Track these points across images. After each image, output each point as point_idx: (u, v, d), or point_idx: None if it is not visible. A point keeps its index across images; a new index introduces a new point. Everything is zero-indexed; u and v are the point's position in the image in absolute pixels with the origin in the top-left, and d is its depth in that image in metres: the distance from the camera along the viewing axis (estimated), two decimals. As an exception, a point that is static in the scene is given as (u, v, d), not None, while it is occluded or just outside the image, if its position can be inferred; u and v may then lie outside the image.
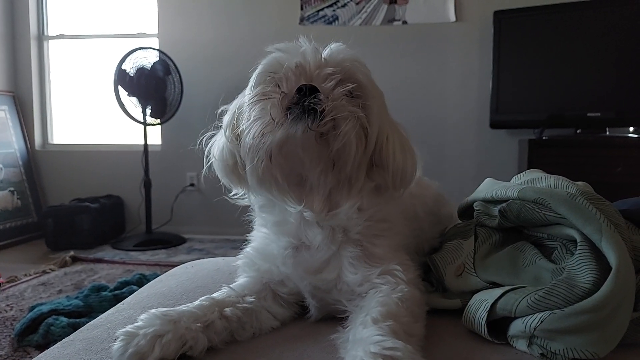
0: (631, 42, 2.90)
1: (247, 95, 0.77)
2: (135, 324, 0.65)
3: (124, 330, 0.64)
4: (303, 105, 0.68)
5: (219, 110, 0.85)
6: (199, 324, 0.68)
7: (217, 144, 0.81)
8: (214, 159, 0.81)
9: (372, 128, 0.74)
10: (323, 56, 0.75)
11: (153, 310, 0.68)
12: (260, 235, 0.85)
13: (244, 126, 0.73)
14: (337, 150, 0.70)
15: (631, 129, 3.13)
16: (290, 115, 0.68)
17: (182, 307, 0.71)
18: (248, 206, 0.87)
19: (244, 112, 0.75)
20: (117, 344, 0.63)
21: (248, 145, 0.72)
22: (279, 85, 0.73)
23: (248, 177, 0.76)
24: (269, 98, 0.71)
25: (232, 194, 0.85)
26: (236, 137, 0.78)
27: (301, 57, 0.74)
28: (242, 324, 0.74)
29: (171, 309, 0.70)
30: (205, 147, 0.83)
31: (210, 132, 0.84)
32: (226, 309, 0.72)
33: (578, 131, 3.03)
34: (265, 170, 0.72)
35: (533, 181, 0.86)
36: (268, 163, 0.71)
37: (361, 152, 0.73)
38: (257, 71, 0.77)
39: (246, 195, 0.83)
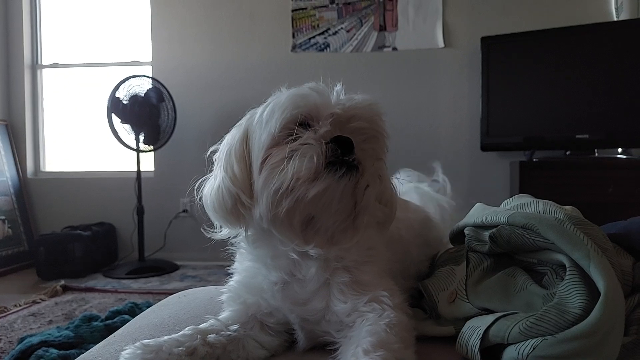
0: (617, 65, 2.97)
1: (271, 123, 0.75)
2: None
3: None
4: (347, 162, 0.71)
5: (209, 152, 0.84)
6: (181, 349, 0.68)
7: (210, 184, 0.80)
8: (206, 199, 0.80)
9: (384, 177, 0.80)
10: (357, 107, 0.77)
11: (135, 344, 0.68)
12: (245, 268, 0.84)
13: (279, 168, 0.72)
14: (362, 205, 0.74)
15: (619, 150, 3.17)
16: (339, 171, 0.70)
17: (164, 337, 0.71)
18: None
19: (274, 151, 0.74)
20: None
21: (275, 187, 0.71)
22: (307, 127, 0.74)
23: (258, 213, 0.74)
24: (306, 144, 0.72)
25: (215, 229, 0.83)
26: (239, 175, 0.76)
27: (340, 106, 0.76)
28: (227, 352, 0.73)
29: (152, 339, 0.70)
30: (198, 192, 0.82)
31: (204, 177, 0.84)
32: (209, 336, 0.72)
33: (567, 153, 3.07)
34: (286, 214, 0.72)
35: (522, 206, 0.87)
36: (292, 207, 0.71)
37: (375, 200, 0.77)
38: (286, 107, 0.75)
39: (230, 232, 0.82)
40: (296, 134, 0.73)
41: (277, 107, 0.75)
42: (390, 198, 0.81)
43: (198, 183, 0.83)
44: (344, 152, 0.71)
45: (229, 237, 0.84)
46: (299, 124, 0.74)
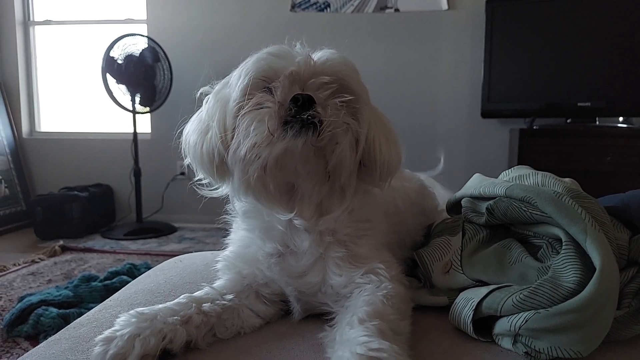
0: (622, 32, 2.90)
1: (235, 91, 0.74)
2: (112, 328, 0.65)
3: (101, 336, 0.64)
4: (302, 119, 0.67)
5: (199, 92, 0.82)
6: (176, 318, 0.68)
7: (199, 134, 0.77)
8: (191, 150, 0.78)
9: (363, 134, 0.74)
10: (316, 63, 0.73)
11: (130, 312, 0.68)
12: (239, 237, 0.84)
13: (238, 137, 0.70)
14: (333, 164, 0.70)
15: (620, 118, 3.15)
16: (291, 130, 0.67)
17: (159, 306, 0.71)
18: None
19: (238, 120, 0.72)
20: (97, 350, 0.62)
21: (240, 156, 0.70)
22: (272, 92, 0.71)
23: (236, 184, 0.74)
24: (263, 107, 0.69)
25: (198, 180, 0.82)
26: (224, 136, 0.74)
27: (295, 64, 0.72)
28: (222, 320, 0.74)
29: (147, 307, 0.70)
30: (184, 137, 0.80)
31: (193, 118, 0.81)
32: (204, 305, 0.72)
33: (568, 121, 3.04)
34: (257, 181, 0.71)
35: (521, 178, 0.86)
36: (262, 173, 0.70)
37: (353, 159, 0.73)
38: (247, 73, 0.73)
39: (220, 188, 0.81)
40: (248, 98, 0.70)
41: (242, 73, 0.74)
42: (377, 156, 0.75)
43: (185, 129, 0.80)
44: (299, 110, 0.67)
45: (222, 197, 0.83)
46: (264, 89, 0.72)
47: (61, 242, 3.07)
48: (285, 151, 0.67)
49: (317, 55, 0.75)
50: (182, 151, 0.80)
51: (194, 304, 0.71)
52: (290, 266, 0.77)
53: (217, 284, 0.80)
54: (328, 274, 0.76)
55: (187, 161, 0.80)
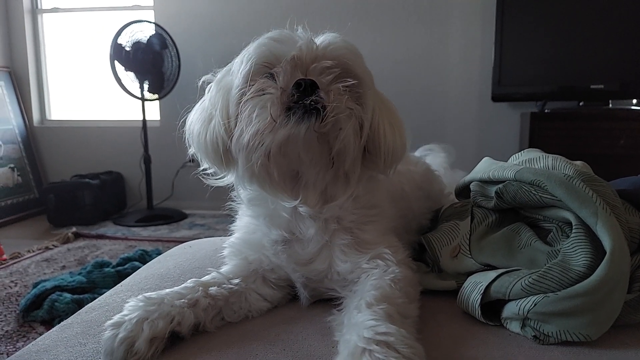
0: (636, 13, 2.83)
1: (237, 78, 0.73)
2: (121, 313, 0.66)
3: (111, 321, 0.65)
4: (305, 105, 0.66)
5: (201, 81, 0.81)
6: (183, 301, 0.69)
7: (202, 124, 0.77)
8: (195, 139, 0.77)
9: (367, 119, 0.73)
10: (318, 47, 0.72)
11: (138, 296, 0.69)
12: (244, 224, 0.84)
13: (240, 124, 0.70)
14: (337, 150, 0.69)
15: (634, 101, 3.09)
16: (294, 116, 0.66)
17: (166, 290, 0.72)
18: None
19: (240, 107, 0.71)
20: (107, 334, 0.63)
21: (243, 143, 0.69)
22: (274, 78, 0.70)
23: (240, 172, 0.74)
24: (265, 94, 0.69)
25: (204, 170, 0.81)
26: (227, 124, 0.74)
27: (297, 49, 0.71)
28: (230, 304, 0.74)
29: (154, 292, 0.71)
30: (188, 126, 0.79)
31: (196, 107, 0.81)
32: (211, 288, 0.73)
33: (581, 104, 3.00)
34: (261, 168, 0.70)
35: (531, 161, 0.85)
36: (265, 161, 0.69)
37: (357, 145, 0.72)
38: (249, 59, 0.72)
39: (225, 177, 0.81)
40: (250, 85, 0.70)
41: (243, 59, 0.73)
42: (382, 143, 0.74)
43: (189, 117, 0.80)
44: (301, 95, 0.66)
45: (228, 185, 0.83)
46: (266, 75, 0.71)
47: (74, 229, 3.11)
48: (288, 138, 0.67)
49: (319, 39, 0.74)
50: (187, 141, 0.80)
51: (200, 288, 0.72)
52: (297, 253, 0.77)
53: (224, 269, 0.81)
54: (334, 260, 0.76)
55: (191, 151, 0.80)
